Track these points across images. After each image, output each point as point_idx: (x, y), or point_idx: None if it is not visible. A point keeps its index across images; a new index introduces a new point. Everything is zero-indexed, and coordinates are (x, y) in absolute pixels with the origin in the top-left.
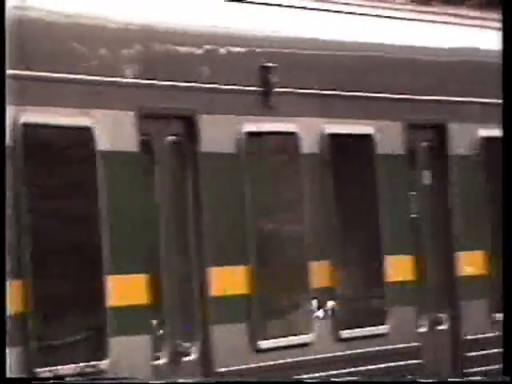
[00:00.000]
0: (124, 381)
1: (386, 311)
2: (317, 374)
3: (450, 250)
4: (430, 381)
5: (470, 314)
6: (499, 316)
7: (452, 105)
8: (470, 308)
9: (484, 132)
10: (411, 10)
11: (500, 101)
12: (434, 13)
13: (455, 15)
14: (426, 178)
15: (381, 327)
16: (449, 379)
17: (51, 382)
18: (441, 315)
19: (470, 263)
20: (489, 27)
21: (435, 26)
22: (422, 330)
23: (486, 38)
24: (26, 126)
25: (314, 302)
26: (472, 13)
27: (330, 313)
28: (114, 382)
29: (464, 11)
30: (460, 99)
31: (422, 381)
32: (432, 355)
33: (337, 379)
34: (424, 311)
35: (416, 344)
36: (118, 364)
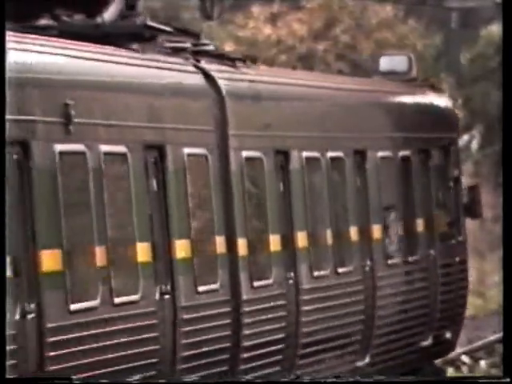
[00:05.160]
0: (125, 381)
1: None
2: None
3: None
4: (430, 380)
5: None
6: None
7: None
8: None
9: None
10: None
11: None
12: None
13: None
14: None
15: None
16: (449, 379)
17: (52, 381)
18: None
19: None
20: None
21: None
22: None
23: None
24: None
25: None
26: None
27: None
28: (115, 382)
29: None
30: None
31: (421, 380)
32: None
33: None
34: None
35: None
36: None
